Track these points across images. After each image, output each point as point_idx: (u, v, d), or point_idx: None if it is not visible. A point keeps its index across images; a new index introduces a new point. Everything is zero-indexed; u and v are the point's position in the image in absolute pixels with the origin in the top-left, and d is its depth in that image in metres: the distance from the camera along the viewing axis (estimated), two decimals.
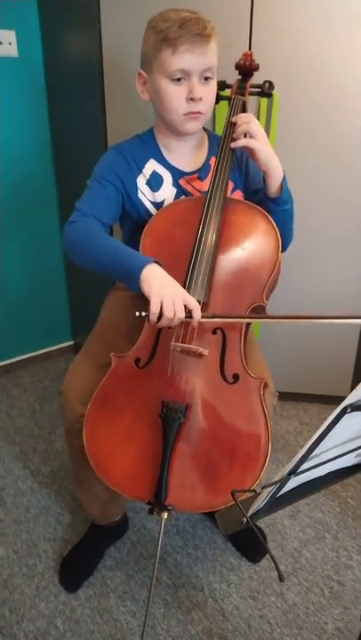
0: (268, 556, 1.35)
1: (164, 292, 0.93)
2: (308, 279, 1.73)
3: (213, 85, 1.08)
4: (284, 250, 1.18)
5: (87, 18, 1.56)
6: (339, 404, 0.52)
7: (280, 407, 1.93)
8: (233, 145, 1.07)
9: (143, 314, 0.95)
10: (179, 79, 1.04)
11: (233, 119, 1.09)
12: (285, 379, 1.87)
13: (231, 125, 1.10)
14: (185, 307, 0.94)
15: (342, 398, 0.52)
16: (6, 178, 1.90)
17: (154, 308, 0.92)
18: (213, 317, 0.98)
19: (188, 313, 0.95)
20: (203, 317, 0.96)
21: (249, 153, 1.09)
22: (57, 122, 1.92)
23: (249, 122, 1.06)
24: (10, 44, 1.74)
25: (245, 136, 1.08)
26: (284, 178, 1.10)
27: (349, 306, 1.75)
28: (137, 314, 0.95)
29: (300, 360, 1.86)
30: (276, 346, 1.84)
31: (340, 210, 1.64)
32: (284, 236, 1.14)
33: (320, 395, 1.93)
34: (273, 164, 1.07)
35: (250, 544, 1.35)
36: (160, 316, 0.93)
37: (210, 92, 1.07)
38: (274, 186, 1.10)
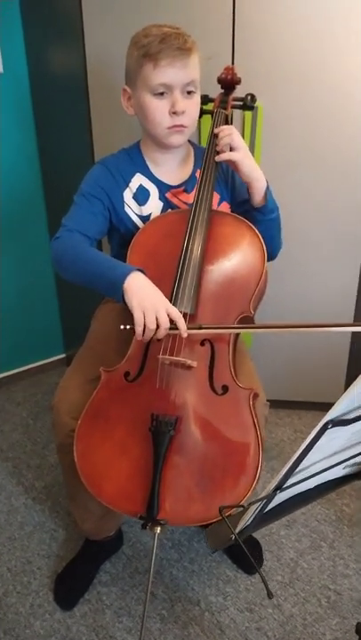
0: (263, 566, 1.34)
1: (146, 304, 0.93)
2: (299, 287, 1.74)
3: (196, 99, 1.10)
4: (274, 258, 1.19)
5: (71, 33, 1.57)
6: None
7: (274, 415, 1.93)
8: (217, 159, 1.09)
9: (128, 327, 0.95)
10: (161, 93, 1.05)
11: (215, 131, 1.10)
12: (279, 386, 1.87)
13: (214, 138, 1.10)
14: (169, 318, 0.94)
15: None
16: None
17: (138, 320, 0.93)
18: (200, 328, 0.98)
19: (173, 324, 0.95)
20: (189, 328, 0.96)
21: (232, 166, 1.10)
22: (44, 136, 1.92)
23: (231, 134, 1.07)
24: None
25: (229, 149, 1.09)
26: (268, 187, 1.11)
27: (340, 312, 1.75)
28: (121, 327, 0.96)
29: (293, 368, 1.86)
30: (268, 354, 1.84)
31: (329, 218, 1.65)
32: (273, 245, 1.16)
33: (314, 402, 1.92)
34: (254, 174, 1.09)
35: (245, 556, 1.34)
36: (145, 328, 0.93)
37: (193, 105, 1.09)
38: (258, 196, 1.11)
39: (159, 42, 1.01)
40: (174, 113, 1.06)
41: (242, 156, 1.06)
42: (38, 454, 1.76)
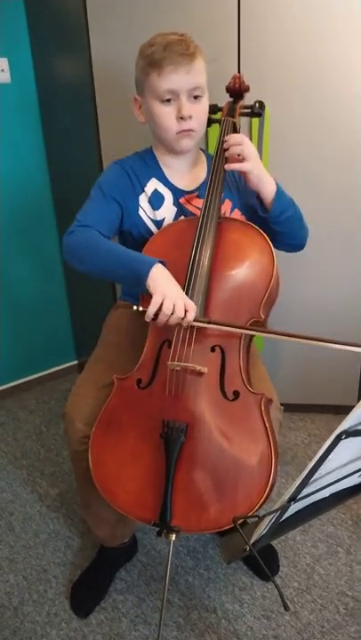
0: (280, 573, 1.33)
1: (168, 290, 0.96)
2: (306, 287, 1.72)
3: (204, 103, 1.10)
4: (302, 247, 1.21)
5: (77, 41, 1.58)
6: (346, 413, 0.51)
7: (288, 419, 1.91)
8: (226, 167, 1.08)
9: (141, 309, 0.97)
10: (168, 100, 1.07)
11: (225, 139, 1.10)
12: (292, 390, 1.86)
13: (223, 146, 1.11)
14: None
15: (349, 408, 0.51)
16: (5, 202, 1.92)
17: (155, 303, 0.95)
18: (209, 323, 0.98)
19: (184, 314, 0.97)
20: (198, 321, 0.98)
21: (242, 175, 1.10)
22: (52, 144, 1.93)
23: (242, 143, 1.07)
24: (2, 70, 1.77)
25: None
26: (278, 191, 1.11)
27: (348, 312, 1.74)
28: (134, 307, 0.98)
29: (306, 370, 1.85)
30: (280, 357, 1.83)
31: (338, 221, 1.63)
32: (299, 235, 1.18)
33: (327, 405, 1.91)
34: (263, 184, 1.09)
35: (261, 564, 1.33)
36: (157, 313, 0.96)
37: (200, 109, 1.09)
38: (266, 201, 1.11)
39: (162, 49, 1.03)
40: (181, 118, 1.07)
41: (251, 167, 1.07)
42: (52, 461, 1.77)
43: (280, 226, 1.13)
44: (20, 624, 1.23)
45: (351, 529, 1.45)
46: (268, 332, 1.01)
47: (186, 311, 0.97)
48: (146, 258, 1.02)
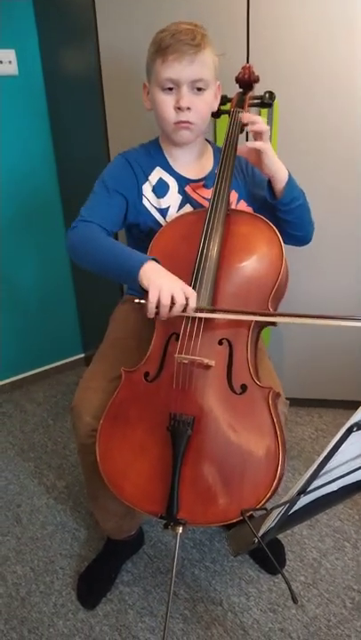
0: (286, 567, 1.33)
1: (163, 283, 0.94)
2: (311, 281, 1.71)
3: (206, 97, 1.09)
4: (309, 241, 1.21)
5: (84, 34, 1.57)
6: (354, 408, 0.50)
7: (294, 414, 1.91)
8: (250, 144, 1.07)
9: (142, 301, 0.96)
10: (170, 89, 1.07)
11: (245, 119, 1.08)
12: (298, 385, 1.85)
13: (232, 136, 1.10)
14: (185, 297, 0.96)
15: (356, 402, 0.50)
16: (12, 195, 1.92)
17: (151, 298, 0.94)
18: (213, 311, 0.98)
19: (186, 302, 0.96)
20: (202, 310, 0.98)
21: (254, 160, 1.09)
22: (59, 136, 1.93)
23: (260, 120, 1.06)
24: (10, 62, 1.76)
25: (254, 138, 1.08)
26: (290, 175, 1.11)
27: (353, 309, 1.73)
28: (135, 301, 0.97)
29: (313, 365, 1.84)
30: (287, 351, 1.82)
31: (345, 214, 1.62)
32: (307, 229, 1.19)
33: (335, 400, 1.90)
34: (277, 167, 1.09)
35: (268, 557, 1.33)
36: (158, 306, 0.95)
37: (200, 102, 1.08)
38: (278, 188, 1.11)
39: (170, 37, 1.03)
40: (179, 108, 1.06)
41: (269, 145, 1.06)
42: (59, 454, 1.78)
43: (290, 214, 1.12)
44: (27, 614, 1.24)
45: (358, 524, 1.45)
46: (270, 315, 1.00)
47: (187, 298, 0.96)
48: (138, 255, 1.00)
